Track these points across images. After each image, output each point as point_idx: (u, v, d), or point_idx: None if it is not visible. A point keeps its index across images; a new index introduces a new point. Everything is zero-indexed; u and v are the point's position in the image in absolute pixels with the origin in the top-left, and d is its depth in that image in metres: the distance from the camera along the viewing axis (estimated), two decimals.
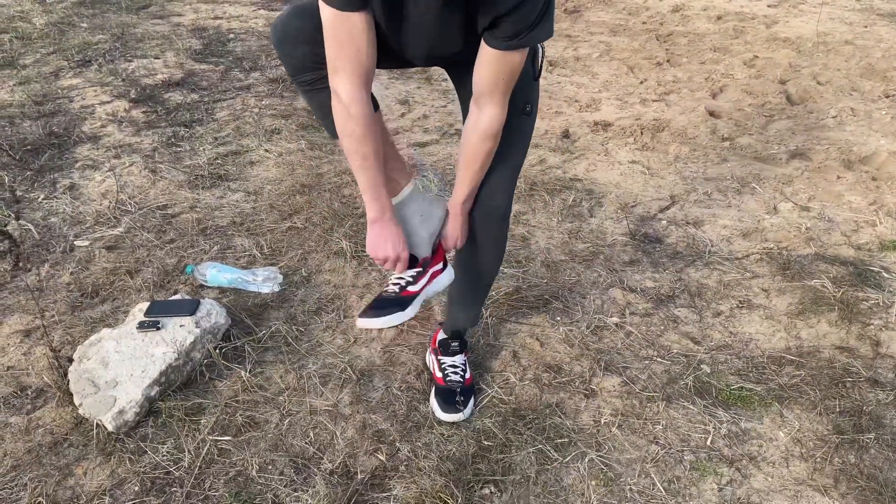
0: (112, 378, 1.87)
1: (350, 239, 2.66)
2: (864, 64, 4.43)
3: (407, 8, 1.37)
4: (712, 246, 2.68)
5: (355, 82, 1.39)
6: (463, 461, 1.76)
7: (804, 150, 3.41)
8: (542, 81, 4.36)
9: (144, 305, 2.13)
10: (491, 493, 1.68)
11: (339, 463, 1.75)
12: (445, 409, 1.87)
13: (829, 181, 3.13)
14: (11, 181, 3.04)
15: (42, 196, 2.95)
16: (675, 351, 2.15)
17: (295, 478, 1.71)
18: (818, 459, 1.77)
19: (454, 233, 1.71)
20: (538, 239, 2.72)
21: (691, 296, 2.40)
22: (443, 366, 1.96)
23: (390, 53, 1.53)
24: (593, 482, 1.71)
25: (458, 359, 1.97)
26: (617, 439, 1.83)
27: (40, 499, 1.64)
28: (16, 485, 1.68)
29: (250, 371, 2.03)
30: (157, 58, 4.69)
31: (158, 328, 2.02)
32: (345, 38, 1.34)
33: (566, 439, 1.83)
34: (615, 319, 2.28)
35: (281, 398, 1.95)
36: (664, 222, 2.86)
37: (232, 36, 5.33)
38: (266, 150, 3.43)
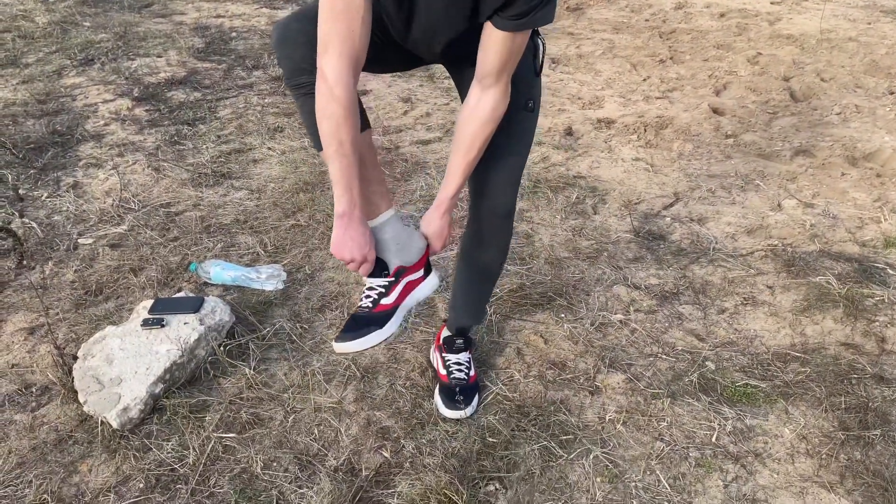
0: (116, 375, 1.87)
1: None
2: (867, 61, 4.42)
3: None
4: (716, 243, 2.68)
5: (344, 63, 1.33)
6: (468, 458, 1.75)
7: (808, 146, 3.40)
8: (544, 79, 4.35)
9: (148, 303, 2.13)
10: (496, 489, 1.68)
11: (344, 460, 1.75)
12: (449, 407, 1.87)
13: (834, 178, 3.13)
14: (15, 179, 3.04)
15: (45, 194, 2.95)
16: (679, 348, 2.14)
17: (299, 475, 1.71)
18: (824, 456, 1.77)
19: (441, 232, 1.63)
20: (542, 236, 2.72)
21: (695, 293, 2.40)
22: (447, 363, 1.96)
23: (391, 50, 1.52)
24: (598, 479, 1.71)
25: (463, 356, 1.97)
26: (622, 436, 1.83)
27: (45, 496, 1.64)
28: (21, 482, 1.68)
29: (254, 368, 2.03)
30: (159, 56, 4.70)
31: (162, 326, 2.02)
32: (341, 11, 1.30)
33: (571, 436, 1.82)
34: (619, 316, 2.28)
35: (285, 395, 1.95)
36: (668, 219, 2.85)
37: (234, 34, 5.33)
38: (269, 148, 3.43)
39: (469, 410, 1.87)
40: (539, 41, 1.55)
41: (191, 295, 2.22)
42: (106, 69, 4.41)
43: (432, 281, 1.68)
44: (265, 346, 2.13)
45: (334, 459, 1.75)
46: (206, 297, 2.18)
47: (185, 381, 1.96)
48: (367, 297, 1.61)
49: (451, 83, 4.30)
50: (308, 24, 1.40)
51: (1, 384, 1.98)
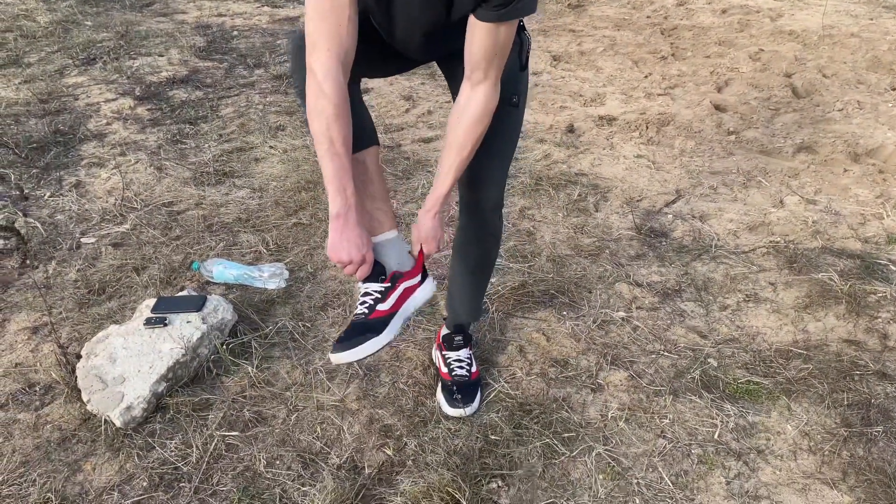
0: (119, 374, 1.88)
1: None
2: (870, 56, 4.40)
3: None
4: (718, 240, 2.67)
5: (332, 59, 1.32)
6: (470, 456, 1.76)
7: (810, 143, 3.40)
8: (546, 77, 4.36)
9: (151, 302, 2.14)
10: (498, 487, 1.68)
11: (347, 458, 1.76)
12: (452, 405, 1.87)
13: (836, 174, 3.12)
14: (18, 179, 3.05)
15: (48, 194, 2.96)
16: (681, 345, 2.14)
17: (302, 473, 1.71)
18: (826, 453, 1.77)
19: (435, 233, 1.60)
20: (544, 234, 2.72)
21: (698, 290, 2.40)
22: (448, 360, 1.97)
23: (385, 54, 1.53)
24: (601, 476, 1.71)
25: (463, 353, 1.98)
26: (624, 433, 1.83)
27: (49, 494, 1.65)
28: (25, 481, 1.69)
29: (257, 367, 2.04)
30: (161, 55, 4.70)
31: (165, 324, 2.02)
32: (327, 10, 1.31)
33: (573, 433, 1.83)
34: (621, 314, 2.28)
35: (288, 393, 1.95)
36: (670, 216, 2.85)
37: (236, 33, 5.33)
38: (271, 147, 3.43)
39: (471, 408, 1.88)
40: (524, 36, 1.55)
41: (193, 294, 2.23)
42: (108, 68, 4.41)
43: (429, 286, 1.65)
44: (268, 345, 2.13)
45: (337, 457, 1.76)
46: (208, 296, 2.19)
47: (187, 380, 1.97)
48: (363, 303, 1.59)
49: None
50: None
51: (5, 383, 1.98)
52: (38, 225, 2.71)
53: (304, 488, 1.67)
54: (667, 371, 2.04)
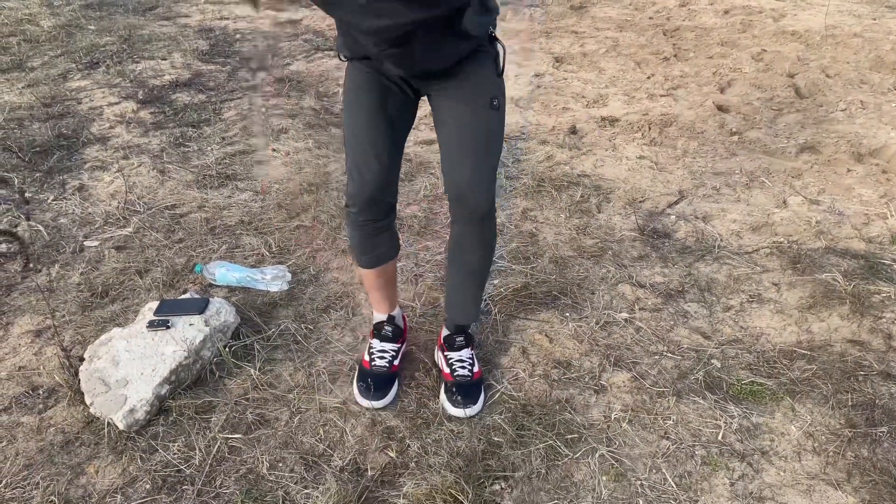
0: (122, 377, 1.88)
1: None
2: (873, 56, 4.40)
3: None
4: (721, 240, 2.67)
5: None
6: (473, 457, 1.75)
7: (814, 143, 3.39)
8: (548, 78, 4.35)
9: (154, 304, 2.14)
10: (501, 489, 1.68)
11: (350, 460, 1.76)
12: (455, 405, 1.87)
13: (839, 174, 3.11)
14: (21, 182, 3.06)
15: (51, 197, 2.97)
16: (685, 346, 2.14)
17: (305, 475, 1.71)
18: (831, 453, 1.76)
19: None
20: (546, 235, 2.72)
21: (701, 291, 2.39)
22: (450, 361, 1.97)
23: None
24: (604, 477, 1.71)
25: (465, 353, 1.98)
26: (627, 434, 1.83)
27: (52, 497, 1.65)
28: (28, 484, 1.69)
29: (260, 369, 2.04)
30: (164, 59, 4.71)
31: (168, 327, 2.02)
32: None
33: (576, 435, 1.82)
34: (624, 315, 2.28)
35: (291, 396, 1.95)
36: (673, 217, 2.84)
37: (239, 36, 5.34)
38: (273, 150, 3.44)
39: (474, 409, 1.87)
40: (499, 46, 1.64)
41: (196, 296, 2.23)
42: (111, 72, 4.42)
43: None
44: (270, 347, 2.13)
45: (340, 459, 1.76)
46: (211, 299, 2.19)
47: (190, 383, 1.97)
48: (382, 357, 1.98)
49: None
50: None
51: (8, 386, 1.99)
52: (42, 228, 2.72)
53: (306, 490, 1.67)
54: (670, 372, 2.03)
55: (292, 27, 5.65)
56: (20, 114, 3.76)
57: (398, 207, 2.85)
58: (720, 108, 3.86)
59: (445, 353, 1.99)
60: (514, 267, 2.51)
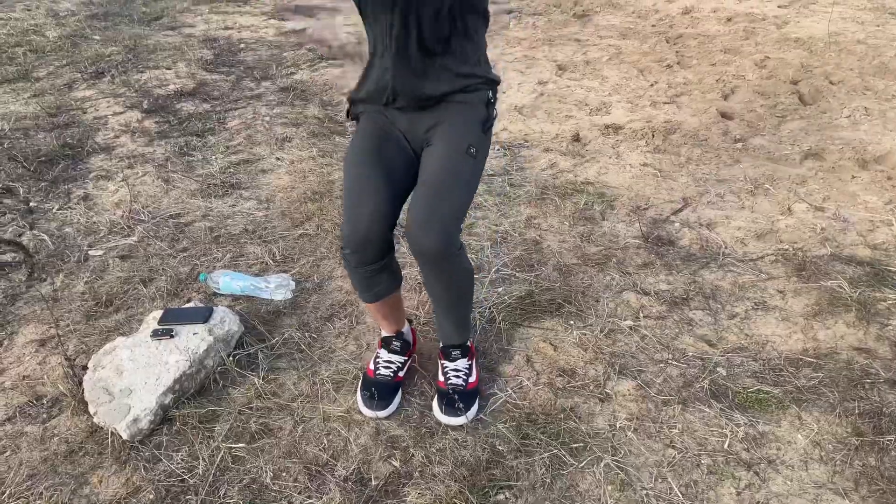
0: (126, 386, 1.88)
1: None
2: (876, 63, 4.39)
3: None
4: (726, 248, 2.66)
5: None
6: (477, 467, 1.74)
7: (818, 150, 3.38)
8: (552, 86, 4.36)
9: (158, 313, 2.14)
10: (506, 498, 1.67)
11: (353, 469, 1.75)
12: (446, 413, 1.86)
13: (844, 181, 3.10)
14: (26, 192, 3.07)
15: (56, 206, 2.98)
16: (690, 354, 2.13)
17: (309, 485, 1.71)
18: (838, 462, 1.75)
19: None
20: (550, 243, 2.71)
21: (706, 298, 2.38)
22: (445, 370, 1.97)
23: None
24: (609, 487, 1.70)
25: (461, 363, 1.97)
26: (633, 443, 1.82)
27: None
28: (32, 493, 1.69)
29: (263, 378, 2.03)
30: (168, 69, 4.73)
31: (172, 336, 2.02)
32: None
33: (581, 444, 1.81)
34: (629, 322, 2.27)
35: (294, 405, 1.95)
36: (677, 224, 2.84)
37: (243, 46, 5.37)
38: (277, 158, 3.45)
39: (466, 417, 1.86)
40: (494, 111, 1.77)
41: (200, 305, 2.23)
42: (116, 82, 4.45)
43: None
44: (274, 356, 2.13)
45: (344, 469, 1.75)
46: (215, 307, 2.19)
47: (194, 392, 1.96)
48: (387, 367, 1.98)
49: None
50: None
51: (12, 396, 1.99)
52: (46, 238, 2.73)
53: (310, 500, 1.66)
54: (675, 380, 2.02)
55: (296, 36, 5.68)
56: (26, 123, 3.78)
57: (402, 216, 2.86)
58: (724, 116, 3.85)
59: (442, 362, 1.99)
60: (518, 275, 2.51)
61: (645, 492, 1.68)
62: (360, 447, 1.81)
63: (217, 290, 2.42)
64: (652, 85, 4.37)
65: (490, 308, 2.33)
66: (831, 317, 2.26)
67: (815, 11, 5.75)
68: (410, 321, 2.18)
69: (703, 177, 3.22)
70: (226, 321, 2.13)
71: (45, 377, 2.05)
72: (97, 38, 5.46)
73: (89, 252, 2.66)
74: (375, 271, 1.78)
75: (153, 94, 4.25)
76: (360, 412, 1.92)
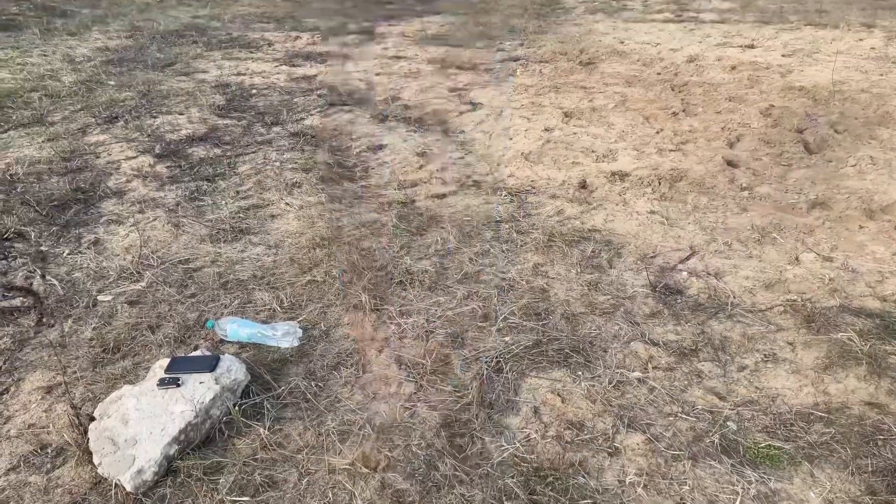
0: (132, 436, 1.87)
1: (369, 292, 2.66)
2: (881, 112, 4.43)
3: None
4: (734, 298, 2.65)
5: None
6: None
7: (824, 199, 3.39)
8: (558, 133, 4.40)
9: (165, 362, 2.14)
10: None
11: None
12: None
13: (852, 231, 3.11)
14: (38, 236, 3.10)
15: (67, 251, 3.00)
16: (699, 407, 2.11)
17: None
18: None
19: None
20: (557, 291, 2.71)
21: (715, 349, 2.37)
22: None
23: None
24: None
25: None
26: (642, 500, 1.79)
27: None
28: None
29: (269, 428, 2.02)
30: (181, 114, 4.81)
31: (178, 385, 2.02)
32: None
33: (590, 500, 1.78)
34: (638, 374, 2.25)
35: (299, 456, 1.93)
36: (685, 273, 2.83)
37: (254, 91, 5.46)
38: (287, 204, 3.48)
39: None
40: None
41: (207, 353, 2.23)
42: (129, 127, 4.52)
43: None
44: (280, 405, 2.12)
45: None
46: (221, 356, 2.19)
47: (199, 442, 1.95)
48: None
49: (465, 137, 4.37)
50: None
51: (17, 444, 1.98)
52: (56, 283, 2.74)
53: None
54: (685, 434, 2.00)
55: (307, 82, 5.77)
56: (39, 168, 3.84)
57: (409, 262, 2.87)
58: (729, 163, 3.88)
59: None
60: (525, 323, 2.50)
61: None
62: (366, 501, 1.79)
63: (224, 338, 2.42)
64: (658, 132, 4.41)
65: (497, 357, 2.32)
66: (842, 370, 2.24)
67: (819, 60, 5.83)
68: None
69: (710, 225, 3.23)
70: (232, 370, 2.13)
71: (51, 425, 2.04)
72: (112, 83, 5.57)
73: (98, 297, 2.67)
74: None
75: (165, 139, 4.31)
76: (366, 465, 1.90)
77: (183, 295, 2.69)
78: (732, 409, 2.09)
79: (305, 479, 1.86)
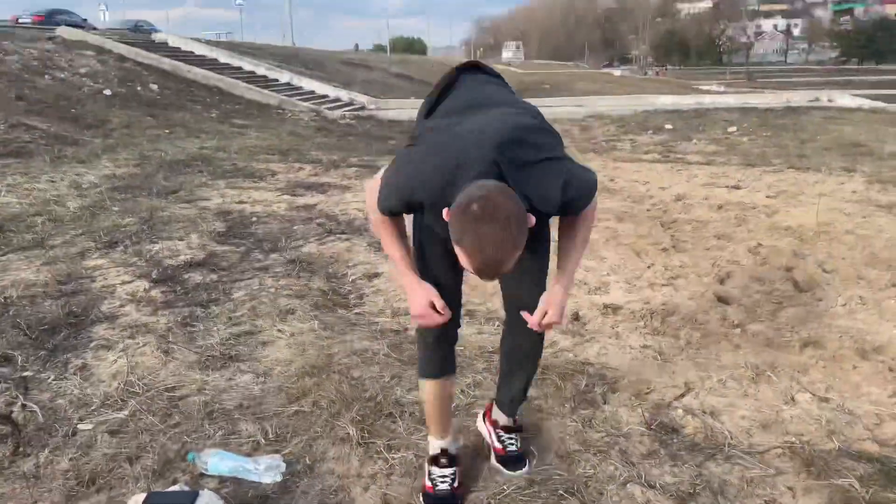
0: None
1: (357, 424, 2.60)
2: (867, 253, 4.54)
3: None
4: (731, 438, 2.59)
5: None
6: None
7: (817, 338, 3.40)
8: (552, 265, 4.47)
9: (140, 497, 2.05)
10: None
11: None
12: (512, 469, 2.37)
13: (846, 370, 3.09)
14: (24, 360, 3.06)
15: (52, 376, 2.95)
16: None
17: None
18: None
19: (563, 303, 2.02)
20: (550, 427, 2.65)
21: (714, 493, 2.28)
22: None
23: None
24: None
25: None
26: None
27: None
28: None
29: None
30: (181, 239, 4.90)
31: None
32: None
33: None
34: None
35: None
36: (680, 411, 2.78)
37: (255, 219, 5.59)
38: (279, 331, 3.47)
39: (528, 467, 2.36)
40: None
41: (185, 489, 2.14)
42: (128, 251, 4.58)
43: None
44: None
45: None
46: (200, 491, 2.10)
47: None
48: (444, 481, 2.21)
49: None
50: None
51: None
52: (37, 409, 2.67)
53: None
54: None
55: (307, 211, 5.93)
56: (34, 291, 3.85)
57: (399, 393, 2.82)
58: (720, 300, 3.92)
59: (499, 433, 2.43)
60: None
61: None
62: None
63: (205, 471, 2.33)
64: (649, 267, 4.49)
65: (488, 499, 2.23)
66: None
67: (803, 202, 6.04)
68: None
69: (703, 361, 3.21)
70: None
71: None
72: (116, 209, 5.71)
73: (79, 426, 2.60)
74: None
75: (163, 265, 4.36)
76: None
77: (166, 424, 2.62)
78: None
79: None
